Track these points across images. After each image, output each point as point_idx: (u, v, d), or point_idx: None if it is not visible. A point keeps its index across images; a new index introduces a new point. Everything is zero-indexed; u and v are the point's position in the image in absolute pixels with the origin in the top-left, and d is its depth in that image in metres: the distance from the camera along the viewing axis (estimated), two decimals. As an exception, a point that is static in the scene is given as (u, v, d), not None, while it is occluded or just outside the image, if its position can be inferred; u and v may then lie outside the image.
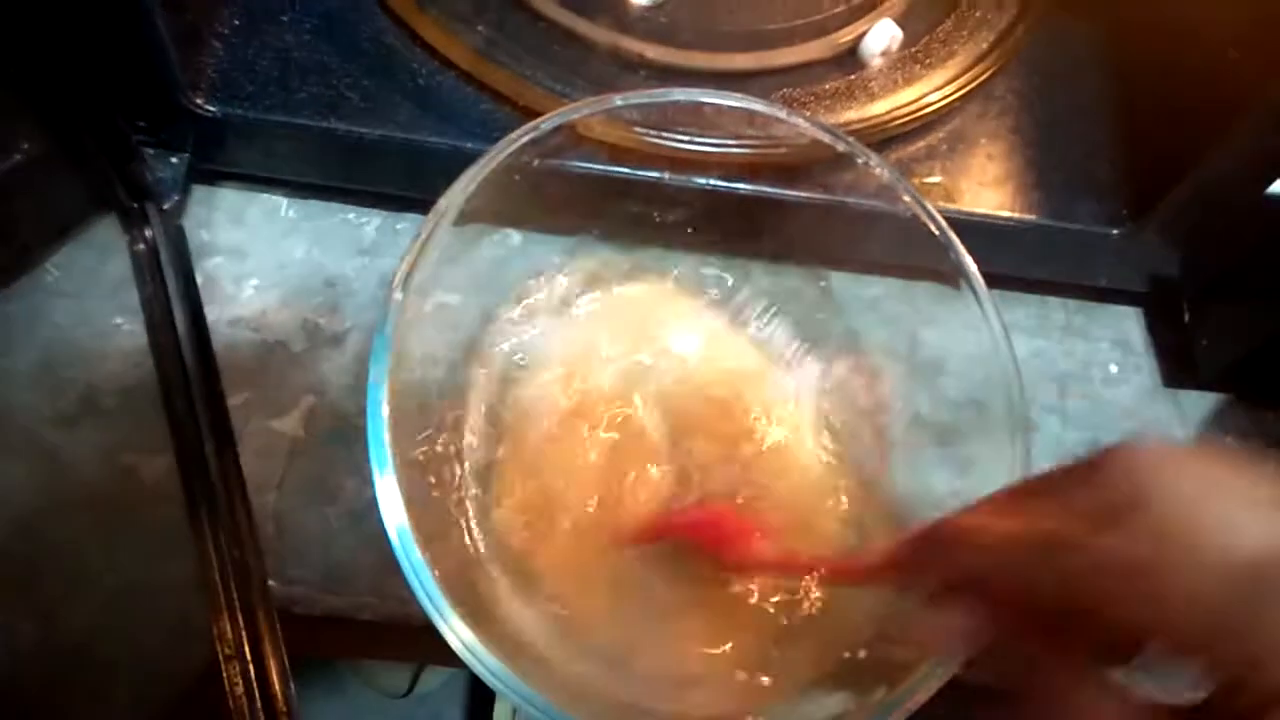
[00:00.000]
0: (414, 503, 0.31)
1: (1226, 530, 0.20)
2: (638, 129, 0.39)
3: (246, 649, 0.36)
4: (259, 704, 0.36)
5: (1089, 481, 0.22)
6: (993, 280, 0.37)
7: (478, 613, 0.32)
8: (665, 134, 0.39)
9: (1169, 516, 0.20)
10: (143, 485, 0.40)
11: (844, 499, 0.40)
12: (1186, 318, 0.46)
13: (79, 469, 0.40)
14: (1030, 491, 0.25)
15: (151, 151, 0.43)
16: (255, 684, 0.36)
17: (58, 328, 0.43)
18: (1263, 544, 0.20)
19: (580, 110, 0.36)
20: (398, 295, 0.33)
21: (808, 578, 0.36)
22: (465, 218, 0.35)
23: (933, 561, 0.25)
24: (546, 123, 0.35)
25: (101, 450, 0.41)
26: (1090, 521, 0.21)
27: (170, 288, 0.42)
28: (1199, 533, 0.20)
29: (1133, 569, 0.20)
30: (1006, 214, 0.44)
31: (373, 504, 0.30)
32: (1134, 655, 0.22)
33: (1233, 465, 0.21)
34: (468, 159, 0.35)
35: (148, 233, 0.42)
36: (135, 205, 0.42)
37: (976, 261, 0.36)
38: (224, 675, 0.36)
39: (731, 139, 0.40)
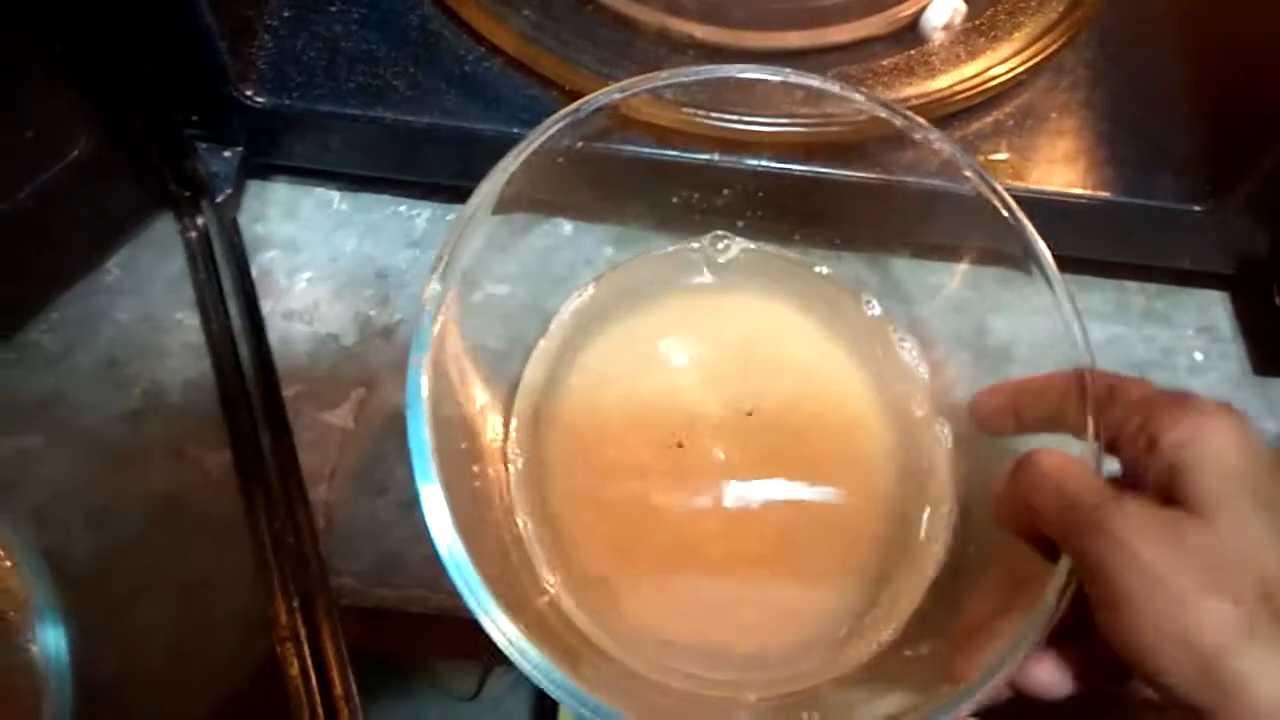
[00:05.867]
0: (458, 497, 0.31)
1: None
2: (685, 109, 0.38)
3: (302, 633, 0.37)
4: (315, 686, 0.36)
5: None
6: (1065, 263, 0.35)
7: (522, 610, 0.31)
8: (714, 114, 0.38)
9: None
10: (207, 477, 0.41)
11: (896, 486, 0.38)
12: (1278, 300, 0.43)
13: (145, 463, 0.41)
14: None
15: (205, 146, 0.43)
16: (312, 668, 0.36)
17: (120, 325, 0.44)
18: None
19: (622, 91, 0.35)
20: (435, 285, 0.32)
21: None
22: (506, 204, 0.34)
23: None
24: (587, 105, 0.34)
25: (166, 444, 0.41)
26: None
27: (225, 282, 0.43)
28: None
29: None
30: (1079, 191, 0.41)
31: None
32: None
33: None
34: (514, 145, 0.34)
35: (201, 225, 0.43)
36: (189, 199, 0.43)
37: (1047, 243, 0.34)
38: (280, 659, 0.36)
39: (783, 118, 0.38)
